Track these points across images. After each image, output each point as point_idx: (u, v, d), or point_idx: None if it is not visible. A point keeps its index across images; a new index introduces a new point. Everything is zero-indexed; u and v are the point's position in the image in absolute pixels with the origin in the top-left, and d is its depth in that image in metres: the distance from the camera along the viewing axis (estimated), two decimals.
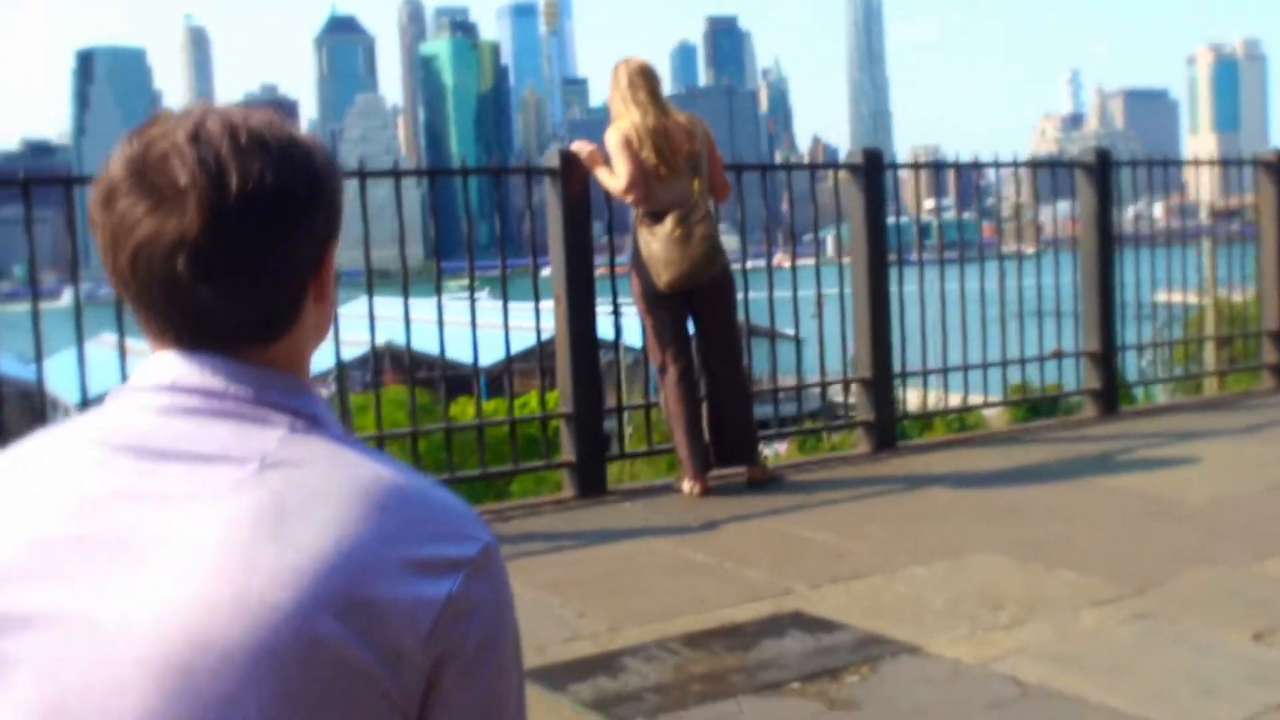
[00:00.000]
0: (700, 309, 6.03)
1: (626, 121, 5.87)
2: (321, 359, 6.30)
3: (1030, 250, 8.56)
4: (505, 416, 6.56)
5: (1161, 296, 9.02)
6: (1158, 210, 9.55)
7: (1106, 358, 8.06)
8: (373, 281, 5.87)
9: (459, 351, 6.66)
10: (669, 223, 5.81)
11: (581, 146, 6.08)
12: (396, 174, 5.82)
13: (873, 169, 7.02)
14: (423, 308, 6.33)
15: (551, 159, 6.10)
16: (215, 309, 1.15)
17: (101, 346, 8.77)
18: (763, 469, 6.27)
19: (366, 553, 1.07)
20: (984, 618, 4.20)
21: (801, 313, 7.02)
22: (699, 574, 4.83)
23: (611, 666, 3.85)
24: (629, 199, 5.89)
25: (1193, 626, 4.05)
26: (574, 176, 6.02)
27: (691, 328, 6.10)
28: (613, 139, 5.87)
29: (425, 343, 6.43)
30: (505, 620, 1.16)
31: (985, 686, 3.62)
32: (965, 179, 8.01)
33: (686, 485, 6.06)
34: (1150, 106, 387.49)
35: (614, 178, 5.89)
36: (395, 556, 1.08)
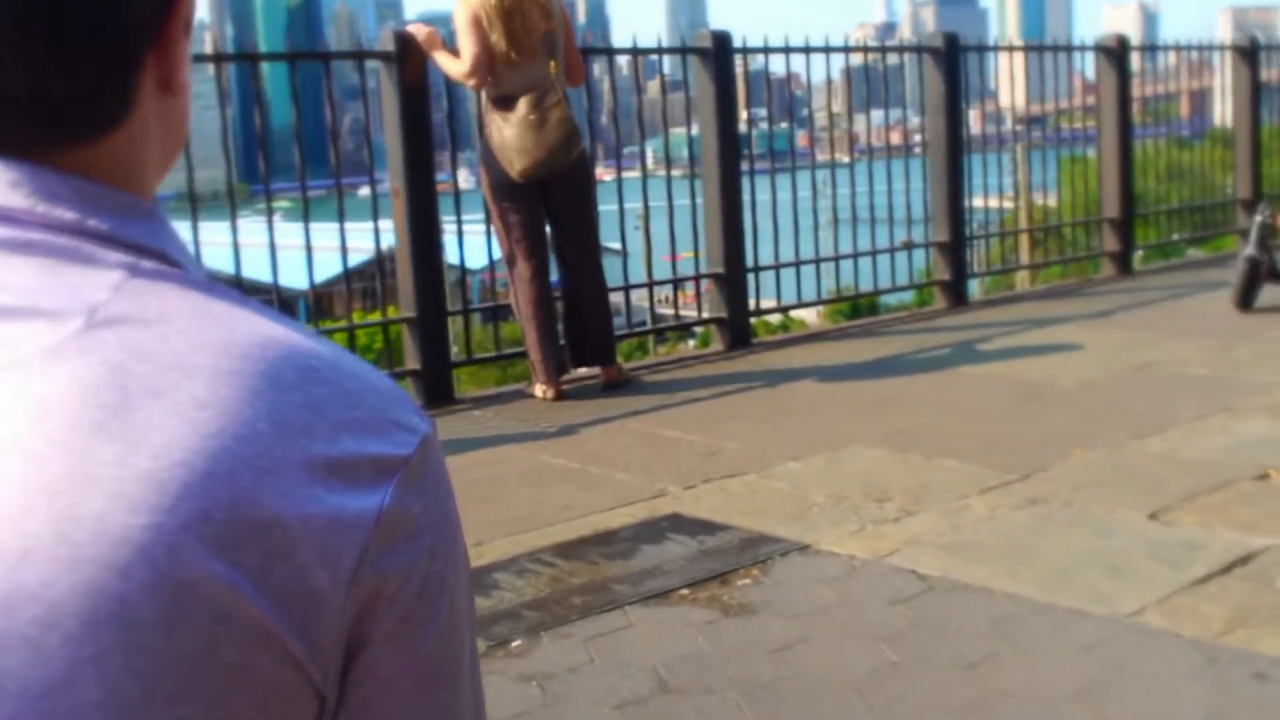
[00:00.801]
0: (555, 200, 5.64)
1: None
2: None
3: (846, 159, 8.39)
4: (344, 324, 6.11)
5: (974, 202, 8.91)
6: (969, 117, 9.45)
7: (956, 248, 7.94)
8: (197, 203, 5.36)
9: (268, 274, 6.13)
10: (522, 107, 5.38)
11: (418, 29, 5.62)
12: (217, 59, 5.30)
13: (722, 53, 6.71)
14: (228, 231, 5.75)
15: (386, 42, 5.62)
16: (1, 79, 0.74)
17: None
18: (619, 369, 5.97)
19: (257, 450, 0.68)
20: (871, 511, 3.98)
21: (629, 224, 6.75)
22: (563, 480, 4.53)
23: (482, 583, 3.52)
24: (470, 84, 5.47)
25: (1087, 509, 3.90)
26: (411, 61, 5.56)
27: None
28: (460, 17, 5.40)
29: (245, 267, 5.86)
30: (453, 543, 0.78)
31: (885, 582, 3.40)
32: (781, 90, 7.84)
33: (539, 389, 5.72)
34: (960, 14, 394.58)
35: (455, 61, 5.44)
36: (298, 455, 0.69)
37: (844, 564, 3.54)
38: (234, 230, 5.40)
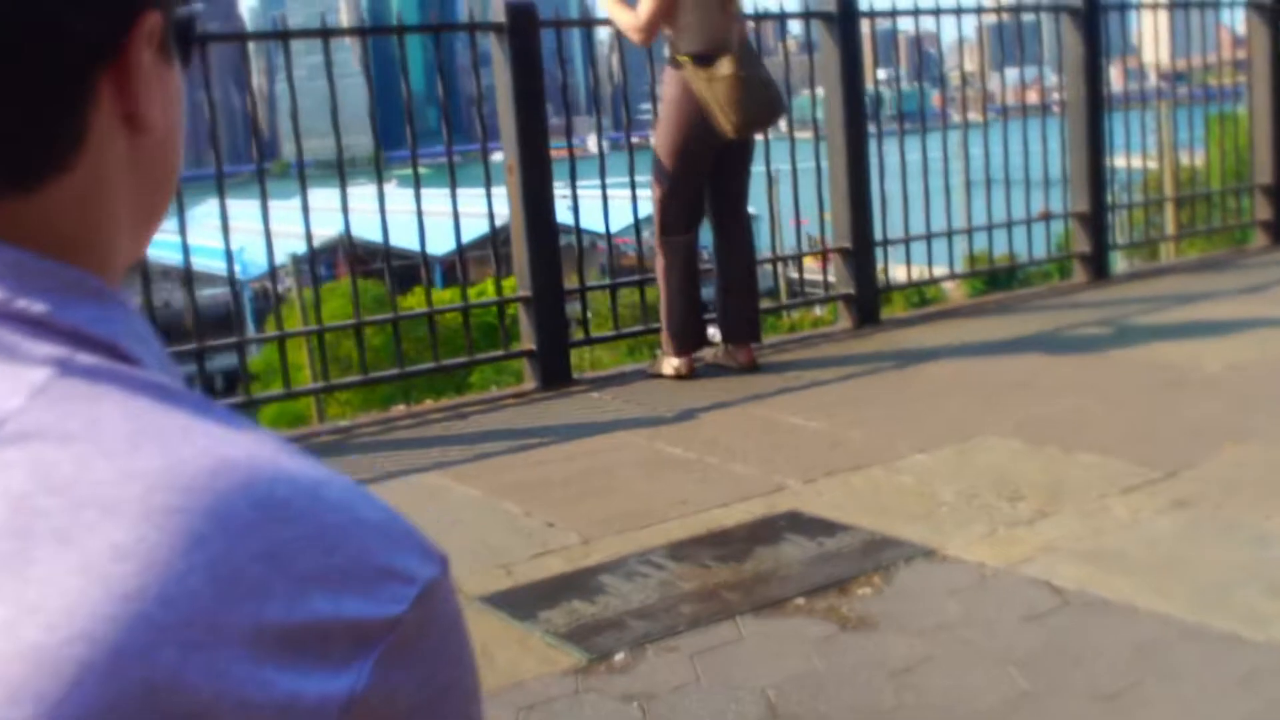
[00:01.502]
0: (729, 163, 5.53)
1: None
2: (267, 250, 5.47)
3: (980, 119, 8.00)
4: (459, 303, 5.97)
5: (1115, 162, 8.43)
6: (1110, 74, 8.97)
7: (1096, 219, 7.56)
8: (304, 169, 5.28)
9: (410, 241, 6.06)
10: (727, 65, 5.27)
11: None
12: (324, 33, 5.17)
13: (847, 17, 6.42)
14: (371, 197, 5.70)
15: (498, 12, 5.45)
16: None
17: None
18: (755, 354, 5.77)
19: (187, 617, 0.52)
20: (1003, 511, 3.73)
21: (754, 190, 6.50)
22: (679, 470, 4.35)
23: (587, 586, 3.36)
24: (639, 38, 5.35)
25: (1240, 514, 3.60)
26: (523, 32, 5.40)
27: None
28: None
29: (374, 233, 5.84)
30: None
31: (1017, 594, 3.16)
32: (913, 51, 7.54)
33: (672, 365, 5.54)
34: None
35: (628, 11, 5.31)
36: (245, 623, 0.53)
37: (973, 573, 3.31)
38: (343, 196, 5.36)
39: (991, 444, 4.38)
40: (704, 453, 4.50)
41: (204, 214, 8.96)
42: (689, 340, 5.55)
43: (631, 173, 5.98)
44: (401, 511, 0.58)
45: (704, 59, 5.31)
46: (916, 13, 6.89)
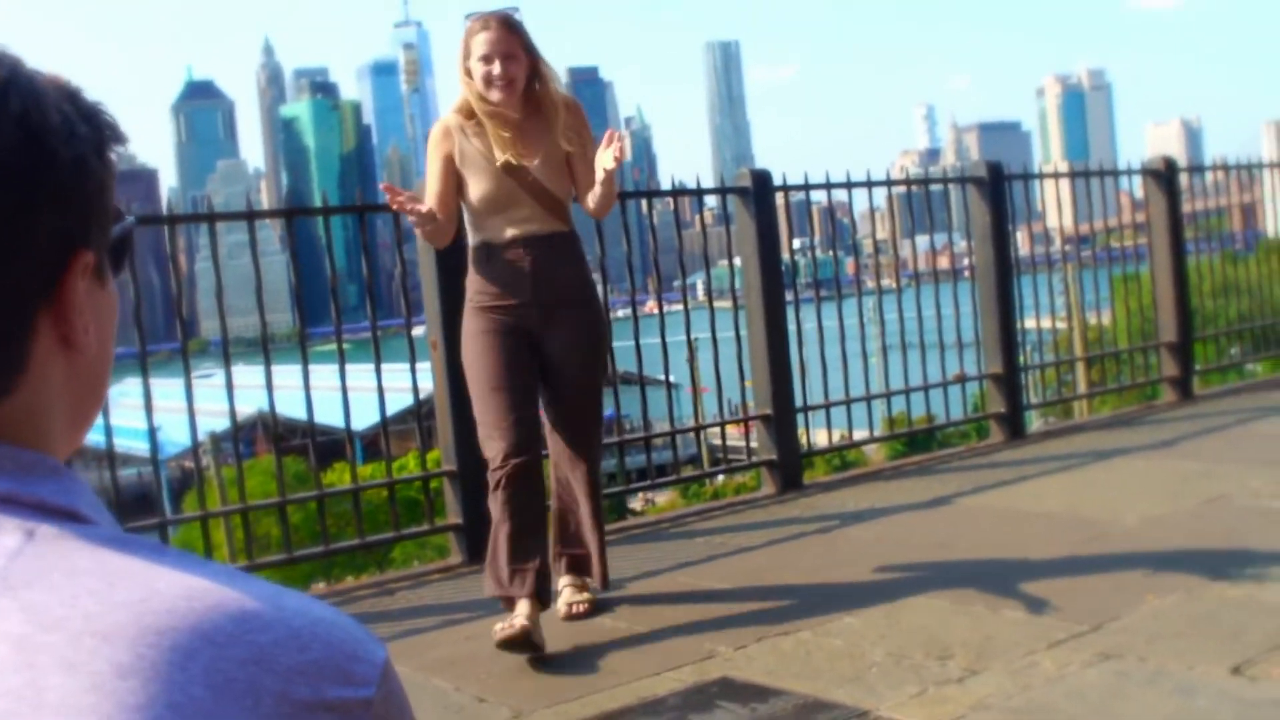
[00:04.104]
0: None
1: None
2: (181, 432, 5.40)
3: (893, 285, 8.21)
4: (383, 479, 5.95)
5: (1026, 323, 8.65)
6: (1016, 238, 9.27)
7: (1010, 380, 7.75)
8: (229, 346, 5.31)
9: (332, 416, 6.05)
10: None
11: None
12: (250, 215, 5.24)
13: (762, 191, 6.62)
14: (293, 374, 5.64)
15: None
16: None
17: None
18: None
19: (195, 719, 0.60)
20: (932, 670, 3.75)
21: (674, 358, 6.60)
22: (609, 640, 4.32)
23: None
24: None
25: (1165, 663, 3.65)
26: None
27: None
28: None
29: (295, 409, 5.84)
30: None
31: None
32: (825, 219, 7.78)
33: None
34: (1004, 138, 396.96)
35: None
36: (244, 718, 0.61)
37: None
38: (267, 373, 5.31)
39: (919, 604, 4.41)
40: (632, 622, 4.49)
41: (118, 393, 8.92)
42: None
43: None
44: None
45: None
46: (829, 186, 7.10)
